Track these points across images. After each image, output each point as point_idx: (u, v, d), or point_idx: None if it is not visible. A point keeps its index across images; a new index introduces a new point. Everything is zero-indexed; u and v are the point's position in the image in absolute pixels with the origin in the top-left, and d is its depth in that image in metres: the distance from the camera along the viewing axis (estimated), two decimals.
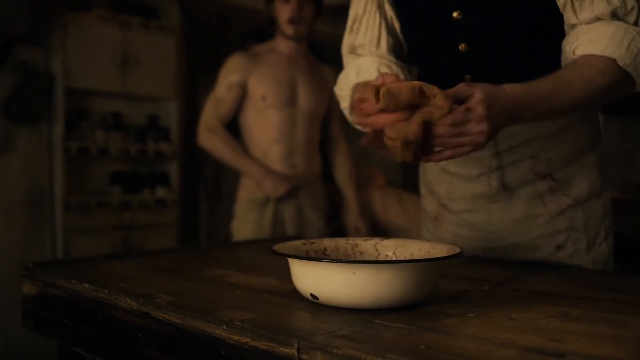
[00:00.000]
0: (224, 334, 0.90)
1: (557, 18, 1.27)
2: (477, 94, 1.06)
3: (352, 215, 2.78)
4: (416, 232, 2.39)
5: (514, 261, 1.49)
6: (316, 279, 0.96)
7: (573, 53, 1.20)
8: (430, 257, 1.05)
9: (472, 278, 1.29)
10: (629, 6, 1.17)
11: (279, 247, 1.07)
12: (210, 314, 0.95)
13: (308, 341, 0.79)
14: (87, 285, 1.22)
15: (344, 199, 2.85)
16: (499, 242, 1.48)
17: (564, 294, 1.11)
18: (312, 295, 0.99)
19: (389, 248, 1.18)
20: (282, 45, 2.63)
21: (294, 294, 1.07)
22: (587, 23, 1.20)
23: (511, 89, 1.11)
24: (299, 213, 2.57)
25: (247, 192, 2.59)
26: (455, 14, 1.32)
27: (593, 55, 1.17)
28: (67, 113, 3.73)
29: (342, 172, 2.82)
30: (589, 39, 1.17)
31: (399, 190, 3.31)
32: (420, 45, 1.45)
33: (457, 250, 1.03)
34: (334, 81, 2.63)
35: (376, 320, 0.89)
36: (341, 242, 1.19)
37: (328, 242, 1.18)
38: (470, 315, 0.93)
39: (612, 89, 1.19)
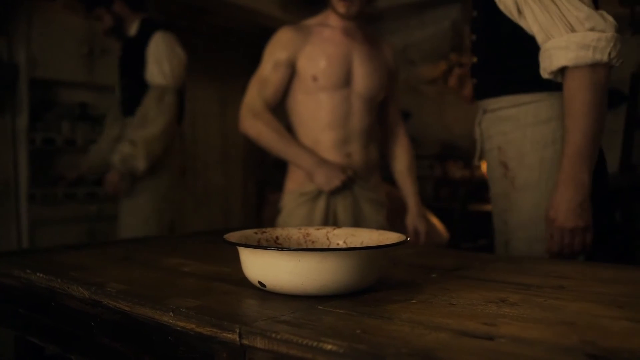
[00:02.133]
0: (170, 321, 0.92)
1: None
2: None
3: (411, 215, 2.36)
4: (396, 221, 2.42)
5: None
6: (263, 267, 0.98)
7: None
8: (378, 245, 1.07)
9: (423, 266, 1.32)
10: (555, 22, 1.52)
11: (229, 235, 1.09)
12: (159, 302, 0.97)
13: (250, 327, 0.81)
14: (41, 275, 1.23)
15: (402, 196, 2.46)
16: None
17: (507, 280, 1.14)
18: (259, 282, 1.01)
19: (340, 237, 1.20)
20: (334, 19, 2.27)
21: (244, 282, 1.09)
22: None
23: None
24: (354, 207, 2.22)
25: (296, 184, 2.27)
26: (472, 37, 1.87)
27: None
28: (32, 104, 3.69)
29: (401, 164, 2.43)
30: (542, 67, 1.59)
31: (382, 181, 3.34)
32: None
33: (403, 238, 1.06)
34: (394, 59, 2.37)
35: (319, 307, 0.92)
36: (293, 231, 1.22)
37: (280, 232, 1.21)
38: (412, 301, 0.96)
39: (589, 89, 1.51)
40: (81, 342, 1.15)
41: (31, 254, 1.58)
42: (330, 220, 2.18)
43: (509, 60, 1.73)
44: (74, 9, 3.79)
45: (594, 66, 1.48)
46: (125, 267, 1.33)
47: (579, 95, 1.50)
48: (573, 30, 1.48)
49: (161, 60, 2.88)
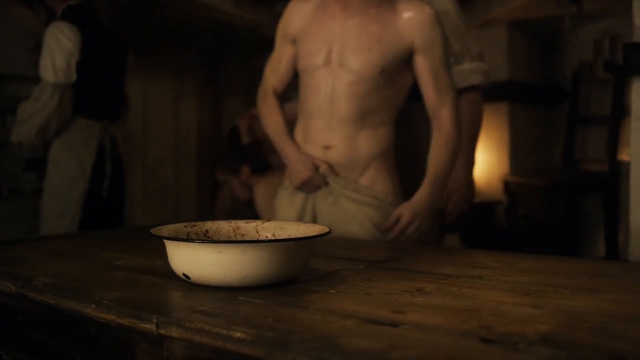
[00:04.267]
0: (93, 313, 0.93)
1: None
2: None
3: (407, 203, 1.84)
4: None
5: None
6: (187, 259, 1.00)
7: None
8: (297, 237, 1.10)
9: (353, 258, 1.35)
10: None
11: (157, 229, 1.11)
12: (84, 294, 0.98)
13: (167, 317, 0.83)
14: None
15: None
16: None
17: (430, 271, 1.18)
18: (184, 274, 1.03)
19: (269, 230, 1.23)
20: None
21: (173, 275, 1.11)
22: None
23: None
24: (335, 206, 1.91)
25: (285, 177, 2.06)
26: None
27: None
28: None
29: (430, 153, 1.89)
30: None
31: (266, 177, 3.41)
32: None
33: (326, 230, 1.10)
34: (427, 28, 1.83)
35: (240, 297, 0.94)
36: (223, 224, 1.24)
37: (210, 225, 1.23)
38: (331, 291, 1.00)
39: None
40: (10, 336, 1.15)
41: None
42: (308, 217, 1.93)
43: None
44: (20, 1, 3.73)
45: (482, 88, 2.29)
46: (59, 261, 1.33)
47: (481, 103, 2.29)
48: (473, 59, 2.21)
49: (45, 53, 2.77)
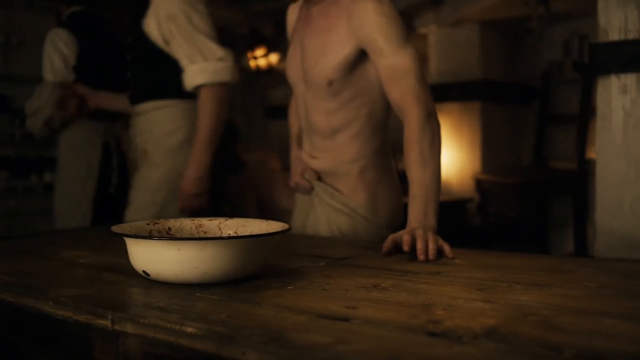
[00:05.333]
0: (50, 310, 0.94)
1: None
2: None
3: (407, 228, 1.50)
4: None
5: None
6: (146, 256, 1.01)
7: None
8: (253, 234, 1.11)
9: (316, 255, 1.37)
10: None
11: (118, 227, 1.11)
12: (42, 292, 0.99)
13: (122, 313, 0.84)
14: None
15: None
16: None
17: (389, 268, 1.20)
18: (144, 272, 1.04)
19: (231, 227, 1.24)
20: None
21: (135, 272, 1.11)
22: None
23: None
24: (322, 212, 1.89)
25: None
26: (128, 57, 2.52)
27: None
28: None
29: (406, 160, 1.60)
30: None
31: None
32: None
33: (286, 227, 1.11)
34: (373, 21, 1.66)
35: (197, 294, 0.96)
36: (186, 222, 1.25)
37: (173, 223, 1.24)
38: (289, 287, 1.01)
39: None
40: None
41: None
42: (306, 222, 1.94)
43: (154, 76, 2.40)
44: None
45: (220, 85, 2.27)
46: (23, 259, 1.33)
47: (209, 105, 2.28)
48: (207, 59, 2.25)
49: (44, 56, 2.99)
